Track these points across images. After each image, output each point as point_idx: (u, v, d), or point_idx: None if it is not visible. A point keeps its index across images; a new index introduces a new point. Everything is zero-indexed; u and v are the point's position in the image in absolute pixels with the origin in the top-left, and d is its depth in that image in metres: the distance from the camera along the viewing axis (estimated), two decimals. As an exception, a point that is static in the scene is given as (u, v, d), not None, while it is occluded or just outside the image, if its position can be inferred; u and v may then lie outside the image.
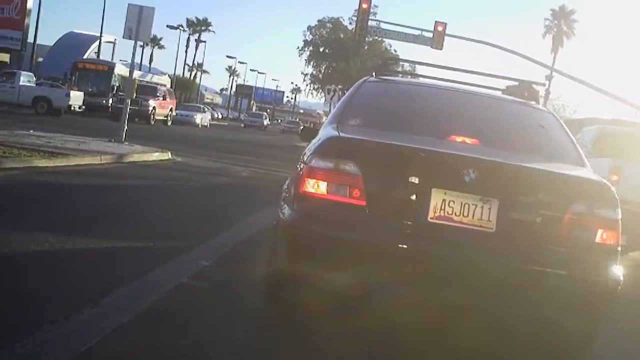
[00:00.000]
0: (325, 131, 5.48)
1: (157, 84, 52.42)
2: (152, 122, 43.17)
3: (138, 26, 21.35)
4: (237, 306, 5.91)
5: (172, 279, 6.30)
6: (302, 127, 11.40)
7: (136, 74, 51.63)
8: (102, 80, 46.10)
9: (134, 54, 22.49)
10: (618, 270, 4.82)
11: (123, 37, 21.78)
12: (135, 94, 37.36)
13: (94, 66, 48.46)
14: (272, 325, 5.56)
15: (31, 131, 19.55)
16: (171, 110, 48.38)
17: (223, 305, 5.87)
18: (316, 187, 4.78)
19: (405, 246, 4.67)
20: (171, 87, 58.42)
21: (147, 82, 51.97)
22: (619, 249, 4.88)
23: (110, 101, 42.93)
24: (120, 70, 49.01)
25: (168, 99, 47.63)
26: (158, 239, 8.08)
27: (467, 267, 4.66)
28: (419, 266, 4.65)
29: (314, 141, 5.31)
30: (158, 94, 45.68)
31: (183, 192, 13.50)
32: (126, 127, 21.26)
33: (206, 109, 63.70)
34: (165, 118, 46.71)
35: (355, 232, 4.69)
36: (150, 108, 43.27)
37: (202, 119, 56.21)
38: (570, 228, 4.76)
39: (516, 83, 6.98)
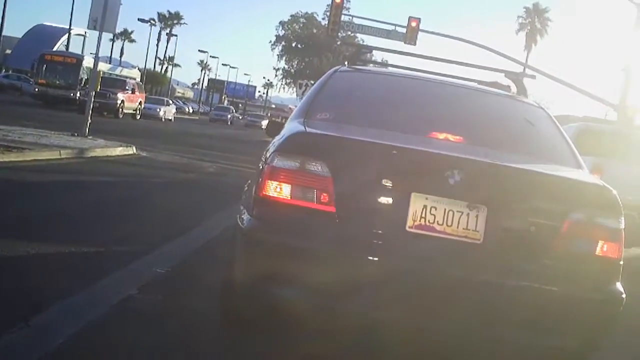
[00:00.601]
0: (291, 126, 4.80)
1: (127, 77, 51.21)
2: (121, 116, 42.20)
3: (103, 16, 20.59)
4: (190, 326, 5.17)
5: (120, 291, 5.62)
6: (267, 121, 10.63)
7: (105, 67, 51.33)
8: (70, 73, 44.57)
9: (98, 45, 21.73)
10: (620, 286, 4.24)
11: (88, 28, 21.06)
12: (101, 87, 36.96)
13: (61, 58, 46.96)
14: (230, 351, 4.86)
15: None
16: (140, 104, 47.43)
17: (173, 326, 5.13)
18: (279, 190, 4.13)
19: (379, 259, 4.04)
20: (141, 80, 57.48)
21: (117, 75, 50.85)
22: (622, 262, 4.28)
23: (78, 94, 42.04)
24: (89, 63, 47.61)
25: (137, 93, 46.73)
26: (110, 243, 7.39)
27: (450, 286, 4.04)
28: (394, 284, 4.02)
29: (277, 137, 4.64)
30: (127, 87, 44.85)
31: (144, 190, 12.77)
32: (89, 120, 20.44)
33: (170, 102, 61.87)
34: (134, 112, 45.79)
35: (322, 244, 4.06)
36: (119, 101, 42.29)
37: (165, 112, 54.75)
38: (568, 239, 4.18)
39: (500, 74, 6.34)
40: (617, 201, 4.30)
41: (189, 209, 10.93)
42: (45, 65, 45.12)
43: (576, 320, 4.12)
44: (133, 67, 72.13)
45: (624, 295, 4.22)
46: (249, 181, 4.73)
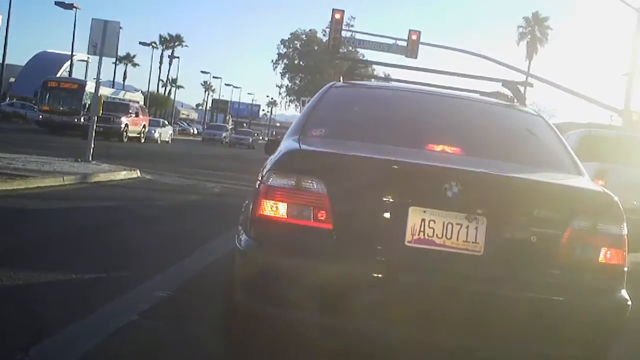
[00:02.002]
0: (286, 143, 4.74)
1: (130, 100, 51.19)
2: (125, 140, 42.06)
3: (103, 41, 20.59)
4: (192, 353, 5.10)
5: (121, 317, 5.57)
6: (267, 139, 10.47)
7: (108, 91, 51.26)
8: (73, 98, 44.41)
9: (99, 70, 21.80)
10: (625, 293, 4.17)
11: (88, 53, 21.07)
12: (104, 112, 36.48)
13: (64, 84, 46.94)
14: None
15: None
16: (144, 127, 47.27)
17: (175, 353, 5.06)
18: (275, 209, 4.08)
19: (379, 276, 3.98)
20: (145, 103, 57.36)
21: (120, 99, 50.91)
22: (626, 269, 4.22)
23: (82, 120, 41.83)
24: (92, 88, 47.59)
25: (141, 116, 46.56)
26: (112, 268, 7.33)
27: (451, 299, 3.97)
28: (395, 299, 3.97)
29: (272, 156, 4.61)
30: (130, 111, 44.80)
31: (148, 214, 12.64)
32: (93, 145, 20.42)
33: (166, 123, 60.86)
34: (139, 135, 45.59)
35: (321, 262, 3.99)
36: (123, 125, 42.19)
37: (160, 134, 53.12)
38: (571, 248, 4.10)
39: (499, 83, 6.26)
40: (618, 207, 4.22)
41: (192, 231, 10.88)
42: (48, 92, 45.14)
43: (582, 329, 4.03)
44: (136, 90, 72.33)
45: (629, 302, 4.14)
46: (247, 201, 4.66)
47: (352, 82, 6.03)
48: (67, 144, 30.36)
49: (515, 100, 6.05)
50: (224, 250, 8.57)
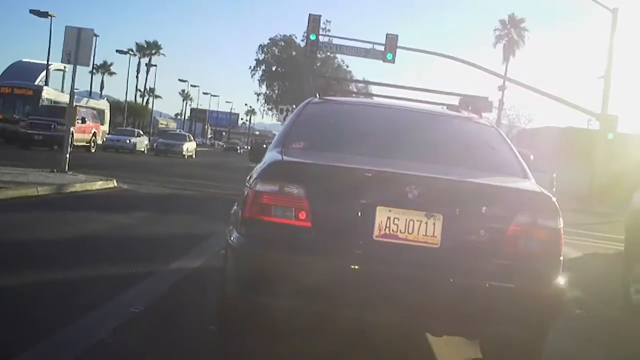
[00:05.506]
0: (270, 155, 5.52)
1: (94, 108, 48.07)
2: (70, 149, 33.62)
3: (77, 49, 20.22)
4: None
5: (90, 335, 5.36)
6: (250, 147, 11.19)
7: (66, 98, 45.98)
8: (28, 105, 41.55)
9: (73, 79, 21.32)
10: (562, 280, 4.85)
11: (61, 62, 20.72)
12: (44, 117, 33.99)
13: (18, 90, 44.32)
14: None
15: (-34, 165, 18.28)
16: (94, 135, 41.91)
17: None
18: (261, 210, 4.81)
19: (352, 266, 4.68)
20: (122, 113, 55.75)
21: (84, 106, 45.88)
22: (562, 258, 4.91)
23: (22, 127, 37.02)
24: (49, 94, 45.43)
25: (90, 122, 40.60)
26: (84, 280, 7.10)
27: (413, 284, 4.64)
28: (365, 286, 4.64)
29: (259, 165, 5.35)
30: (76, 117, 36.22)
31: (124, 224, 12.36)
32: (68, 155, 20.08)
33: (141, 133, 57.74)
34: (87, 144, 40.01)
35: (301, 254, 4.69)
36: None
37: (135, 144, 50.29)
38: (514, 240, 4.78)
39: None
40: (555, 205, 4.90)
41: (171, 240, 10.69)
42: (2, 99, 42.73)
43: (526, 312, 4.66)
44: (101, 97, 71.00)
45: (565, 288, 4.84)
46: (236, 204, 5.42)
47: (328, 98, 6.81)
48: (44, 155, 29.73)
49: (471, 112, 6.83)
50: (206, 257, 8.45)
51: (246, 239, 4.88)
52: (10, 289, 6.52)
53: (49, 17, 56.11)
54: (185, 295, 7.17)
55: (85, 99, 54.24)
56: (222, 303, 5.38)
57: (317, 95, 6.78)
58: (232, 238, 5.02)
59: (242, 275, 4.89)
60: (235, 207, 5.46)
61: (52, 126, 35.55)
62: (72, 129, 32.35)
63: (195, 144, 59.13)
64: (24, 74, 75.82)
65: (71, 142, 33.07)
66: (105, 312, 6.08)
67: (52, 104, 42.46)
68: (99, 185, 17.88)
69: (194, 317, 6.30)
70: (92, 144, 41.56)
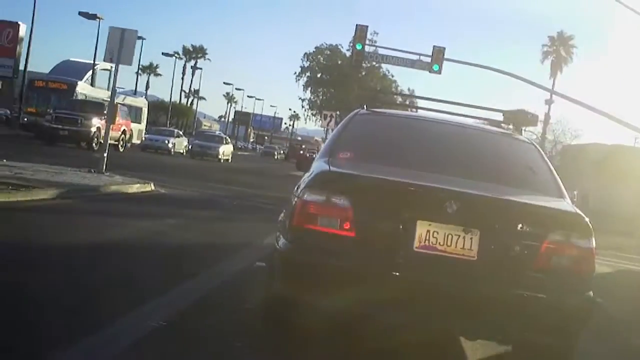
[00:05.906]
0: (317, 165, 5.78)
1: (131, 105, 47.11)
2: (96, 147, 32.06)
3: (120, 49, 20.18)
4: None
5: (109, 348, 5.11)
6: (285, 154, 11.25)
7: (106, 94, 41.71)
8: (63, 100, 39.77)
9: (115, 78, 21.35)
10: (592, 294, 5.10)
11: (104, 61, 20.67)
12: (70, 112, 32.98)
13: (52, 84, 43.86)
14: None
15: (4, 160, 18.09)
16: (124, 133, 39.44)
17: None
18: (308, 219, 5.08)
19: (393, 273, 4.96)
20: (167, 113, 55.67)
21: (121, 103, 42.48)
22: (592, 274, 5.14)
23: (47, 121, 35.52)
24: (84, 89, 44.76)
25: (121, 120, 36.72)
26: (106, 292, 6.83)
27: (450, 293, 4.92)
28: (405, 292, 4.89)
29: (306, 175, 5.61)
30: (105, 112, 33.38)
31: (156, 231, 12.00)
32: (106, 155, 19.75)
33: (180, 134, 56.91)
34: (116, 142, 36.29)
35: (344, 262, 4.95)
36: (93, 129, 34.52)
37: (174, 144, 49.82)
38: (547, 256, 5.02)
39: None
40: (588, 225, 5.15)
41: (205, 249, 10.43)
42: (36, 93, 42.35)
43: (557, 321, 4.95)
44: (141, 95, 71.09)
45: (594, 301, 5.16)
46: (284, 212, 5.74)
47: (374, 110, 7.08)
48: (72, 152, 29.31)
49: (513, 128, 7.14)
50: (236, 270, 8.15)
51: (293, 245, 5.19)
52: (28, 297, 6.28)
53: (97, 19, 56.52)
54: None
55: (122, 96, 52.94)
56: (266, 306, 5.88)
57: (364, 107, 7.04)
58: (279, 244, 5.36)
59: (288, 276, 5.23)
60: (282, 215, 5.78)
61: (79, 121, 34.22)
62: (99, 125, 33.71)
63: (231, 147, 56.26)
64: (71, 72, 76.49)
65: (97, 140, 33.20)
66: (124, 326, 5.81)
67: (85, 99, 41.46)
68: (135, 188, 17.58)
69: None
70: (122, 142, 38.91)
